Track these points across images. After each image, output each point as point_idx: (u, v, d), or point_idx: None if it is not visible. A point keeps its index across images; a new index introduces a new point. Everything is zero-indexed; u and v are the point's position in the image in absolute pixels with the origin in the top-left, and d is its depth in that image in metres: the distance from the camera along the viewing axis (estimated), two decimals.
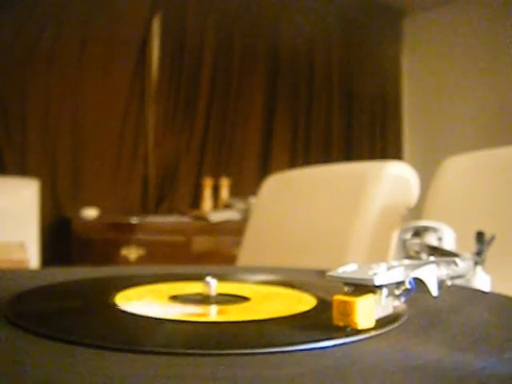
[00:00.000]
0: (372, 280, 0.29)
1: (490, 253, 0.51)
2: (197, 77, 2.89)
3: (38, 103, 2.48)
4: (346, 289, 0.30)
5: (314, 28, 3.23)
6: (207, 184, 2.76)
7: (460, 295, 0.43)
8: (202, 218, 2.53)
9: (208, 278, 0.41)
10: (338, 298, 0.29)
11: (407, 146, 3.62)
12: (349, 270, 0.31)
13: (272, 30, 3.13)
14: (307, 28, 3.20)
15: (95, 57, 2.61)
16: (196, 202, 2.81)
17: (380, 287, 0.30)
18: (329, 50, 3.33)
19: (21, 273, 0.61)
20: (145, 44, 2.76)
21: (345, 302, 0.29)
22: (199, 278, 0.42)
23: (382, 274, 0.30)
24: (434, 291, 0.33)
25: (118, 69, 2.69)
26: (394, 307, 0.32)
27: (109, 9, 2.63)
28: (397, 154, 3.51)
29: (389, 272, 0.31)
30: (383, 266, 0.31)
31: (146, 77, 2.76)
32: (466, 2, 3.24)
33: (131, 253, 2.33)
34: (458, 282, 0.46)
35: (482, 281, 0.50)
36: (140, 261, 2.31)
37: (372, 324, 0.30)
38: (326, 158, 3.22)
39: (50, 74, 2.50)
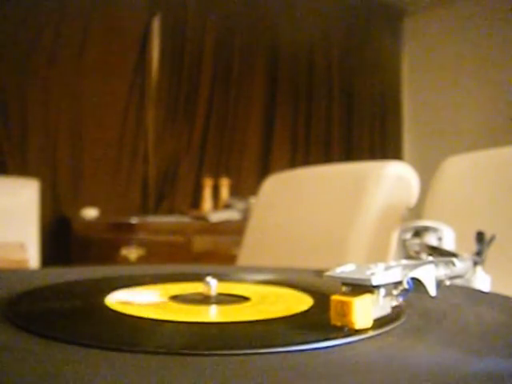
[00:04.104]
0: (369, 280, 0.30)
1: (490, 253, 0.51)
2: (197, 77, 2.89)
3: (38, 103, 2.48)
4: (343, 289, 0.31)
5: (314, 28, 3.23)
6: (207, 184, 2.76)
7: (459, 295, 0.43)
8: (202, 218, 2.53)
9: (208, 278, 0.41)
10: (336, 297, 0.29)
11: (407, 146, 3.62)
12: (347, 269, 0.31)
13: (272, 29, 3.13)
14: (307, 28, 3.20)
15: (95, 57, 2.61)
16: (196, 202, 2.81)
17: (377, 287, 0.30)
18: (329, 50, 3.33)
19: (21, 273, 0.61)
20: (145, 44, 2.76)
21: (342, 302, 0.29)
22: (199, 278, 0.42)
23: (379, 274, 0.30)
24: (432, 291, 0.33)
25: (118, 69, 2.69)
26: (392, 307, 0.32)
27: (109, 9, 2.63)
28: (397, 154, 3.51)
29: (386, 272, 0.31)
30: (381, 265, 0.31)
31: (145, 77, 2.76)
32: (466, 1, 3.24)
33: (131, 253, 2.33)
34: (458, 282, 0.46)
35: (481, 281, 0.50)
36: (140, 261, 2.31)
37: (370, 324, 0.30)
38: (326, 157, 3.22)
39: (50, 74, 2.50)
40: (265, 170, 2.86)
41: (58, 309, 0.37)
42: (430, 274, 0.33)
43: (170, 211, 2.76)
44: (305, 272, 0.59)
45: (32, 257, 1.75)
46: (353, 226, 0.98)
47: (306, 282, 0.46)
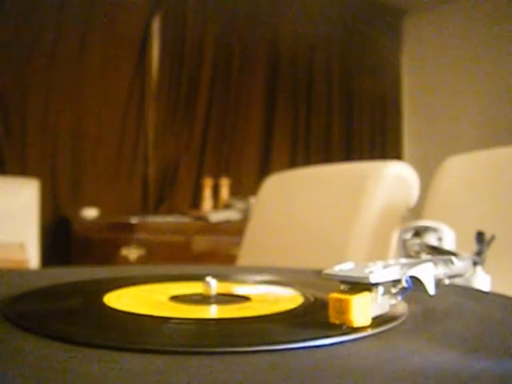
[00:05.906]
0: (368, 278, 0.29)
1: (490, 253, 0.51)
2: (197, 77, 2.89)
3: (38, 103, 2.48)
4: (342, 287, 0.31)
5: (313, 28, 3.23)
6: (207, 184, 2.76)
7: (459, 295, 0.43)
8: (202, 218, 2.53)
9: (208, 278, 0.41)
10: (334, 295, 0.29)
11: (407, 146, 3.62)
12: (345, 268, 0.31)
13: (272, 29, 3.13)
14: (307, 28, 3.20)
15: (95, 57, 2.61)
16: (196, 202, 2.81)
17: (376, 285, 0.30)
18: (329, 50, 3.34)
19: (21, 273, 0.61)
20: (145, 44, 2.76)
21: (340, 300, 0.29)
22: (199, 278, 0.42)
23: (378, 272, 0.30)
24: (431, 290, 0.33)
25: (118, 69, 2.69)
26: (391, 306, 0.32)
27: (109, 9, 2.63)
28: (397, 154, 3.51)
29: (385, 270, 0.31)
30: (379, 264, 0.31)
31: (145, 77, 2.76)
32: (466, 1, 3.24)
33: (131, 253, 2.33)
34: (458, 281, 0.46)
35: (481, 281, 0.50)
36: (140, 261, 2.31)
37: (368, 322, 0.30)
38: (326, 158, 3.22)
39: (50, 74, 2.50)
40: (265, 169, 2.86)
41: (58, 309, 0.37)
42: (428, 273, 0.33)
43: (170, 211, 2.76)
44: (305, 272, 0.59)
45: (32, 257, 1.75)
46: (353, 226, 0.98)
47: (305, 282, 0.46)
